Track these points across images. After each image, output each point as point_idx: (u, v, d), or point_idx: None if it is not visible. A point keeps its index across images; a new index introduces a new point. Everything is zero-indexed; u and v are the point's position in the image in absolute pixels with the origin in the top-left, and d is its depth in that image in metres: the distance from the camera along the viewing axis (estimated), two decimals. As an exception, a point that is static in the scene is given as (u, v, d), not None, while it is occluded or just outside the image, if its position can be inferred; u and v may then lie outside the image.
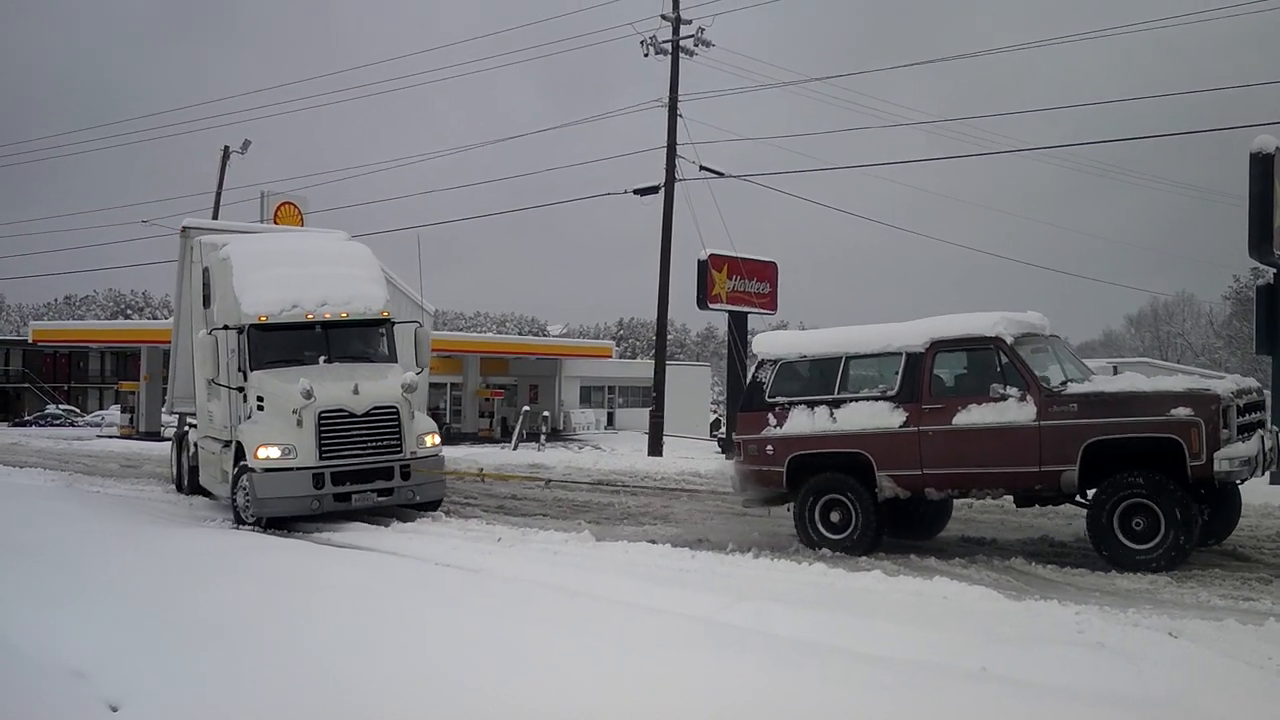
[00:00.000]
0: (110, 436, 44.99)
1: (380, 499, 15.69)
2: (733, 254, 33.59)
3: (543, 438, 37.42)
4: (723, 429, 36.80)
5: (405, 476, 15.84)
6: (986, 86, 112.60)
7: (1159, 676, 6.50)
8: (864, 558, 11.96)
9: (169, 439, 39.54)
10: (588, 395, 66.40)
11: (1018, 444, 11.62)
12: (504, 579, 10.43)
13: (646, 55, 32.89)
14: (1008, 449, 11.69)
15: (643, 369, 54.10)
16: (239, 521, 15.53)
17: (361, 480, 15.52)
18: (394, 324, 17.25)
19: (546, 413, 42.80)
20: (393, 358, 17.04)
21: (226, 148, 43.11)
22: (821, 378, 13.13)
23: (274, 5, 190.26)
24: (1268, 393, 29.84)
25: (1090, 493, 11.58)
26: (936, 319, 12.77)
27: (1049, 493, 11.87)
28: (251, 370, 16.00)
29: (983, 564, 11.49)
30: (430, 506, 16.43)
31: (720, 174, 32.39)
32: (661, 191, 32.09)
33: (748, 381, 14.01)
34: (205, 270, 17.93)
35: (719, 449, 34.82)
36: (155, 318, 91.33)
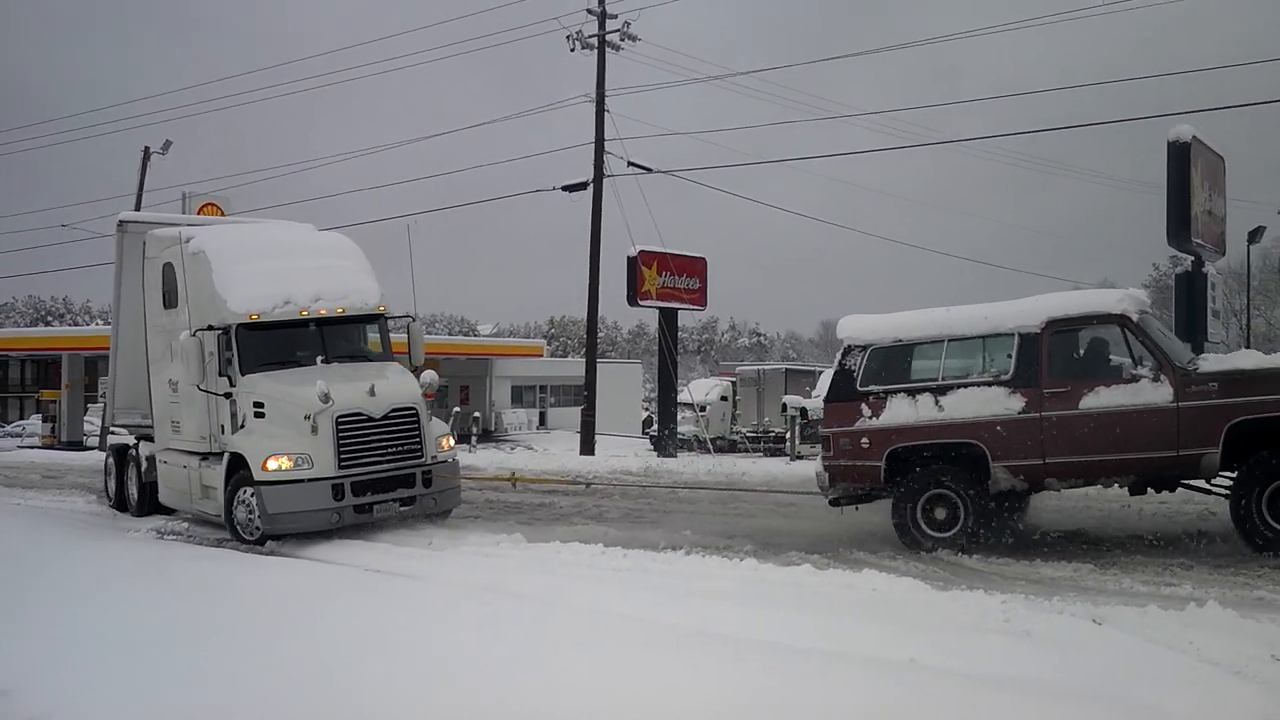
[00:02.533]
0: (31, 447, 44.07)
1: (403, 509, 14.49)
2: (662, 250, 33.58)
3: (474, 439, 37.25)
4: (655, 426, 36.84)
5: (427, 484, 14.68)
6: (930, 81, 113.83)
7: (1085, 663, 6.62)
8: (793, 551, 11.93)
9: (93, 448, 39.18)
10: (519, 395, 66.08)
11: (1154, 427, 10.93)
12: (435, 583, 10.39)
13: (573, 50, 32.78)
14: (1143, 433, 10.97)
15: (574, 367, 54.00)
16: (239, 540, 14.20)
17: (382, 490, 14.31)
18: (389, 320, 16.08)
19: (477, 414, 42.58)
20: (388, 356, 15.95)
21: (147, 148, 42.33)
22: (918, 363, 12.40)
23: (198, 2, 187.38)
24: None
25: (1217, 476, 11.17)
26: (1047, 297, 12.07)
27: (1181, 477, 11.33)
28: (243, 374, 14.64)
29: (910, 556, 11.59)
30: (444, 515, 15.26)
31: (648, 169, 32.38)
32: (590, 188, 32.05)
33: (834, 370, 13.02)
34: (167, 266, 16.20)
35: (651, 446, 34.86)
36: (77, 324, 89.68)
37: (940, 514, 11.85)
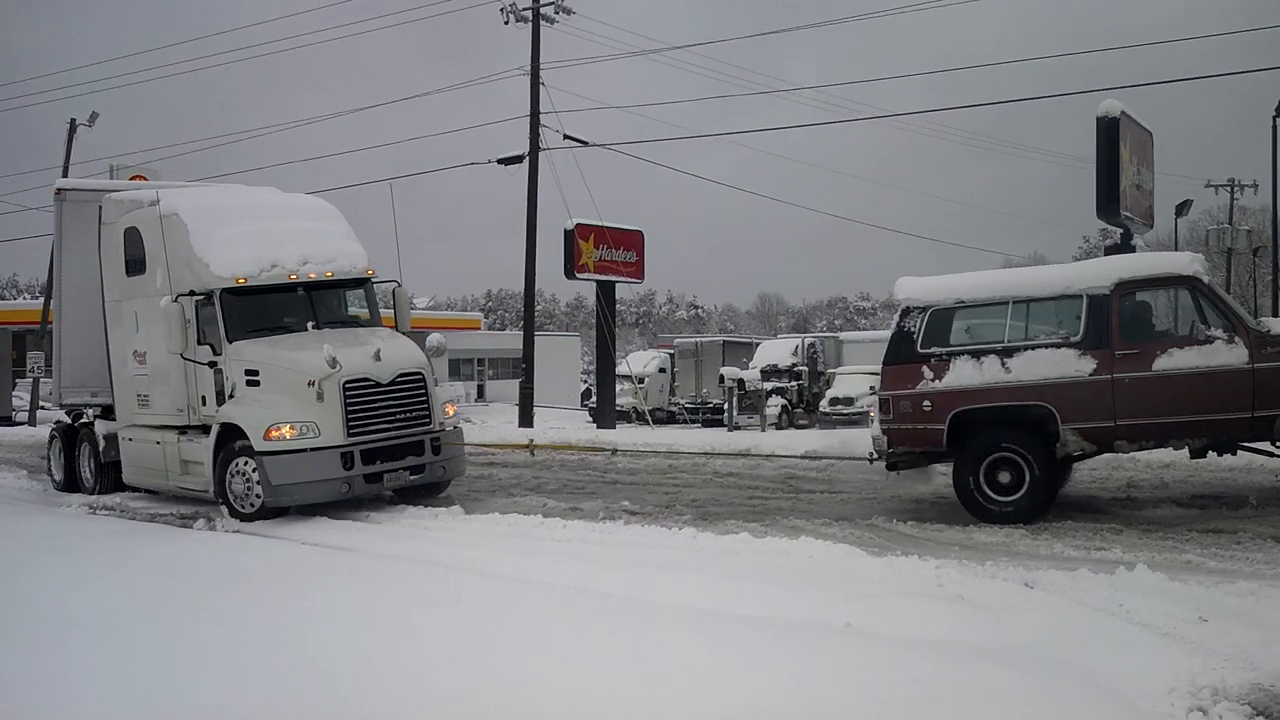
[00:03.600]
0: (-45, 423, 43.32)
1: (412, 478, 14.03)
2: (599, 223, 33.53)
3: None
4: (594, 399, 36.85)
5: (436, 451, 14.21)
6: (875, 58, 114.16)
7: (1018, 626, 6.73)
8: (731, 520, 11.97)
9: (23, 423, 38.50)
10: (456, 368, 65.85)
11: (1228, 389, 10.84)
12: (375, 556, 10.37)
13: (507, 23, 32.57)
14: (1217, 394, 10.87)
15: (512, 340, 53.84)
16: (235, 515, 13.53)
17: (392, 458, 13.79)
18: (373, 284, 15.49)
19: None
20: (376, 321, 15.36)
21: (73, 120, 41.55)
22: (981, 325, 12.18)
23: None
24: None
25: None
26: (1113, 259, 11.67)
27: (1253, 438, 11.23)
28: (229, 341, 13.99)
29: (846, 523, 11.69)
30: (445, 486, 14.95)
31: (585, 143, 32.30)
32: (526, 161, 31.92)
33: (892, 332, 12.73)
34: (130, 232, 15.33)
35: (590, 418, 34.84)
36: (3, 297, 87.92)
37: (1004, 478, 11.66)
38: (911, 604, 7.34)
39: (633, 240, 35.21)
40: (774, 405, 37.98)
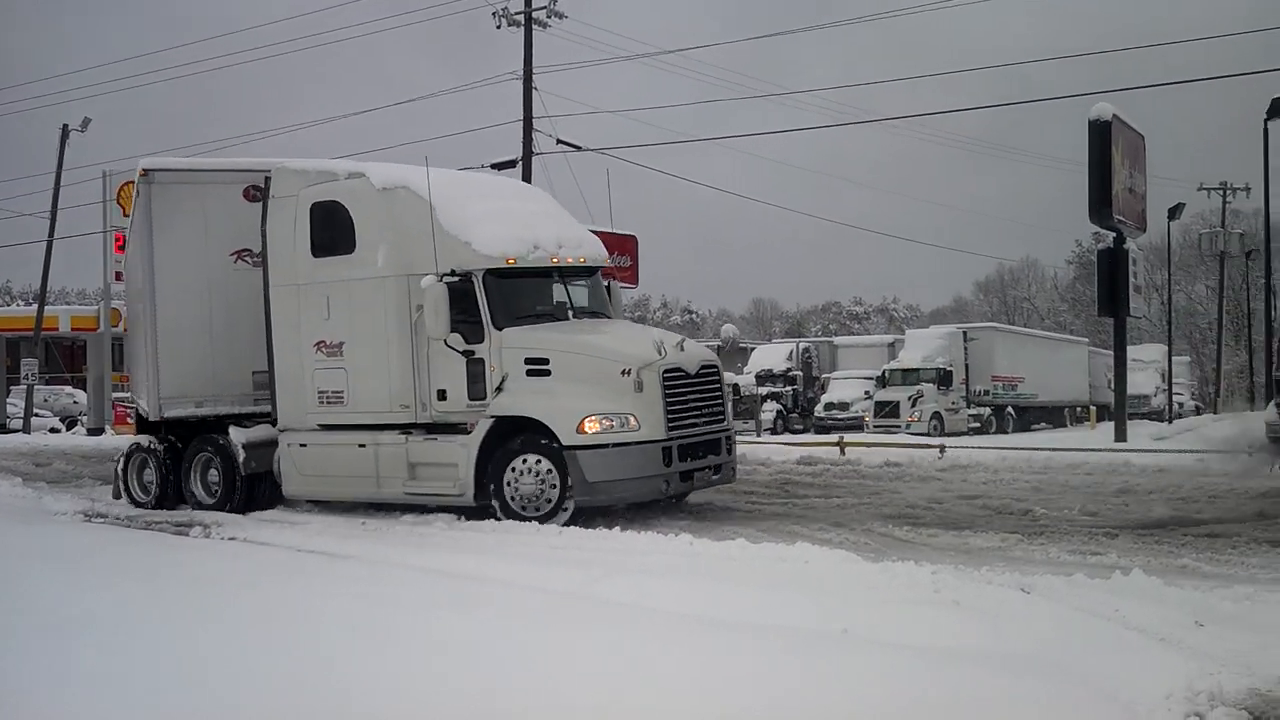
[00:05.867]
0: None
1: (714, 478, 13.22)
2: (593, 228, 33.50)
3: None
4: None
5: (729, 450, 13.50)
6: (883, 62, 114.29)
7: (1014, 632, 6.73)
8: (728, 525, 11.98)
9: (16, 430, 38.21)
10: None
11: None
12: (371, 563, 10.34)
13: (499, 27, 32.59)
14: None
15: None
16: (511, 517, 12.34)
17: (698, 455, 12.85)
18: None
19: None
20: (613, 312, 14.40)
21: (65, 126, 41.53)
22: None
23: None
24: (1109, 353, 30.73)
25: None
26: None
27: None
28: (497, 327, 12.74)
29: (842, 528, 11.72)
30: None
31: (577, 148, 32.28)
32: (519, 166, 31.94)
33: None
34: (328, 207, 13.65)
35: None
36: (6, 304, 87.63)
37: None
38: (908, 609, 7.34)
39: (626, 245, 35.12)
40: (769, 410, 38.01)
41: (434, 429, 13.22)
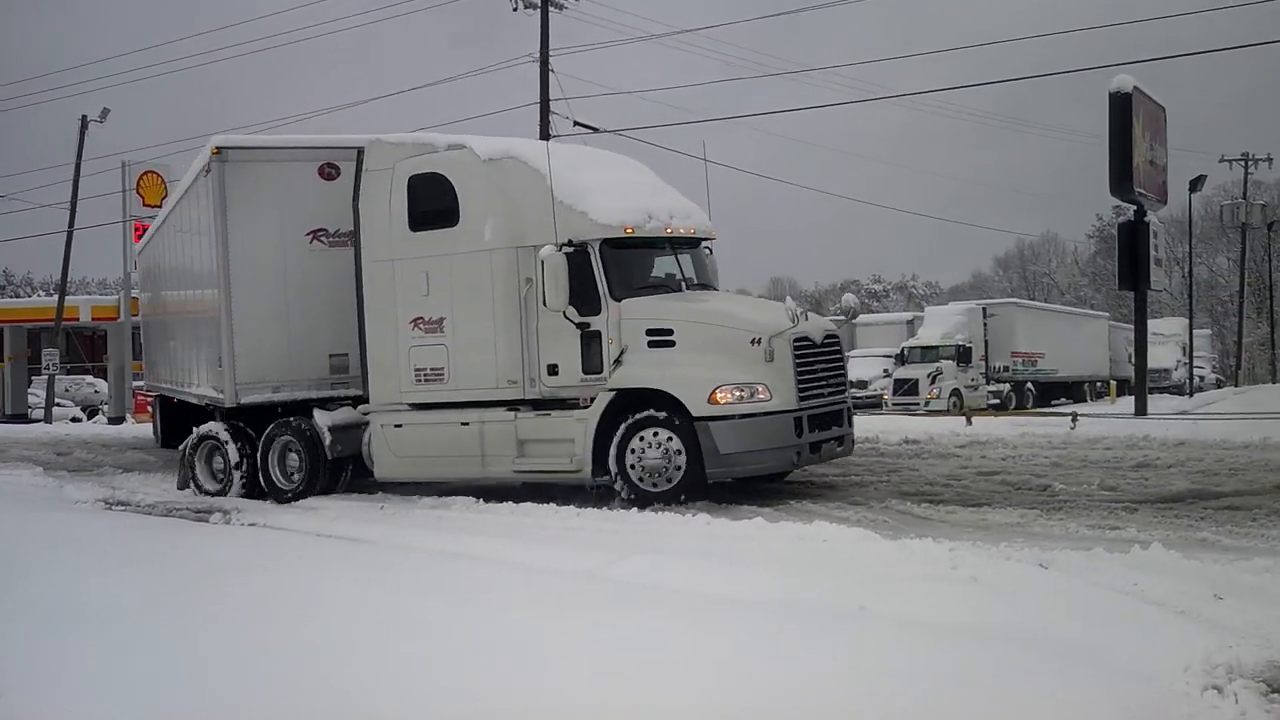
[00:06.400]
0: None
1: (839, 450, 13.10)
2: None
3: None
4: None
5: (850, 423, 13.41)
6: (894, 36, 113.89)
7: (1031, 607, 6.71)
8: (745, 505, 11.96)
9: (39, 420, 38.44)
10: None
11: None
12: (389, 547, 10.37)
13: (515, 9, 32.57)
14: None
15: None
16: (635, 494, 12.13)
17: (823, 426, 12.62)
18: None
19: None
20: (714, 284, 14.26)
21: (84, 117, 41.66)
22: None
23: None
24: (1129, 327, 30.61)
25: None
26: None
27: None
28: (615, 299, 12.55)
29: (860, 506, 11.68)
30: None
31: (594, 129, 32.18)
32: (536, 149, 31.90)
33: None
34: (429, 178, 13.36)
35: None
36: (19, 295, 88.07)
37: None
38: (925, 586, 7.32)
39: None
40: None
41: (542, 405, 13.02)
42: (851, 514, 11.22)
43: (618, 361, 12.46)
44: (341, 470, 14.79)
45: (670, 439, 12.03)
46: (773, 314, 12.71)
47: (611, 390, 12.37)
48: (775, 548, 9.13)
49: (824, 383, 12.71)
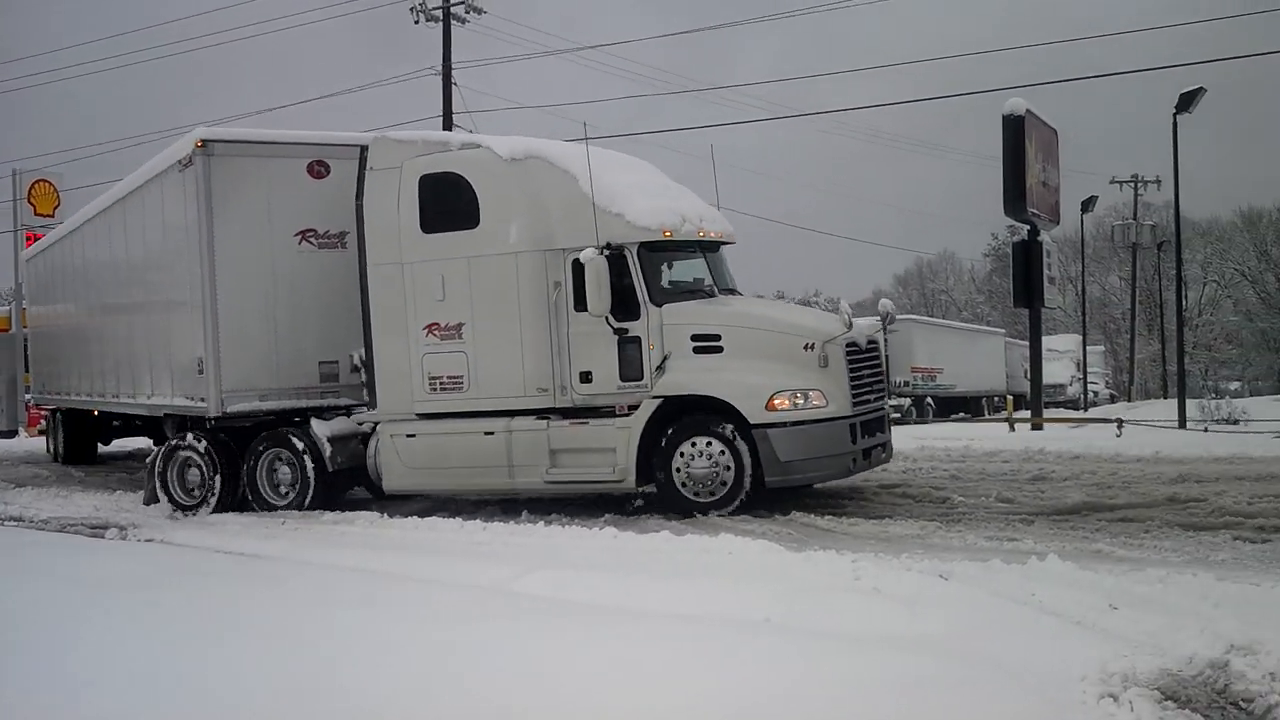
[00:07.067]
0: None
1: (883, 455, 13.01)
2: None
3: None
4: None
5: (888, 429, 13.30)
6: (823, 55, 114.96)
7: (932, 617, 6.80)
8: (652, 519, 11.98)
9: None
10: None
11: None
12: (291, 563, 10.22)
13: (417, 22, 32.47)
14: None
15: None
16: (684, 505, 11.99)
17: (870, 433, 12.47)
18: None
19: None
20: (737, 289, 13.87)
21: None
22: None
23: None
24: (1025, 343, 31.22)
25: None
26: None
27: None
28: (655, 303, 12.24)
29: (765, 519, 11.73)
30: None
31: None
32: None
33: None
34: (444, 178, 12.84)
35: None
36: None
37: None
38: (828, 597, 7.40)
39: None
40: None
41: (573, 413, 12.62)
42: (756, 527, 11.28)
43: (660, 368, 12.16)
44: (339, 483, 14.18)
45: (722, 451, 11.83)
46: (821, 319, 12.64)
47: (658, 397, 12.05)
48: (682, 560, 9.16)
49: (869, 389, 12.63)
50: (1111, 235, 64.70)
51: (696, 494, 11.98)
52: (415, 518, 12.36)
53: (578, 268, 12.17)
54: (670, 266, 12.90)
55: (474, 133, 13.18)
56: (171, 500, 14.88)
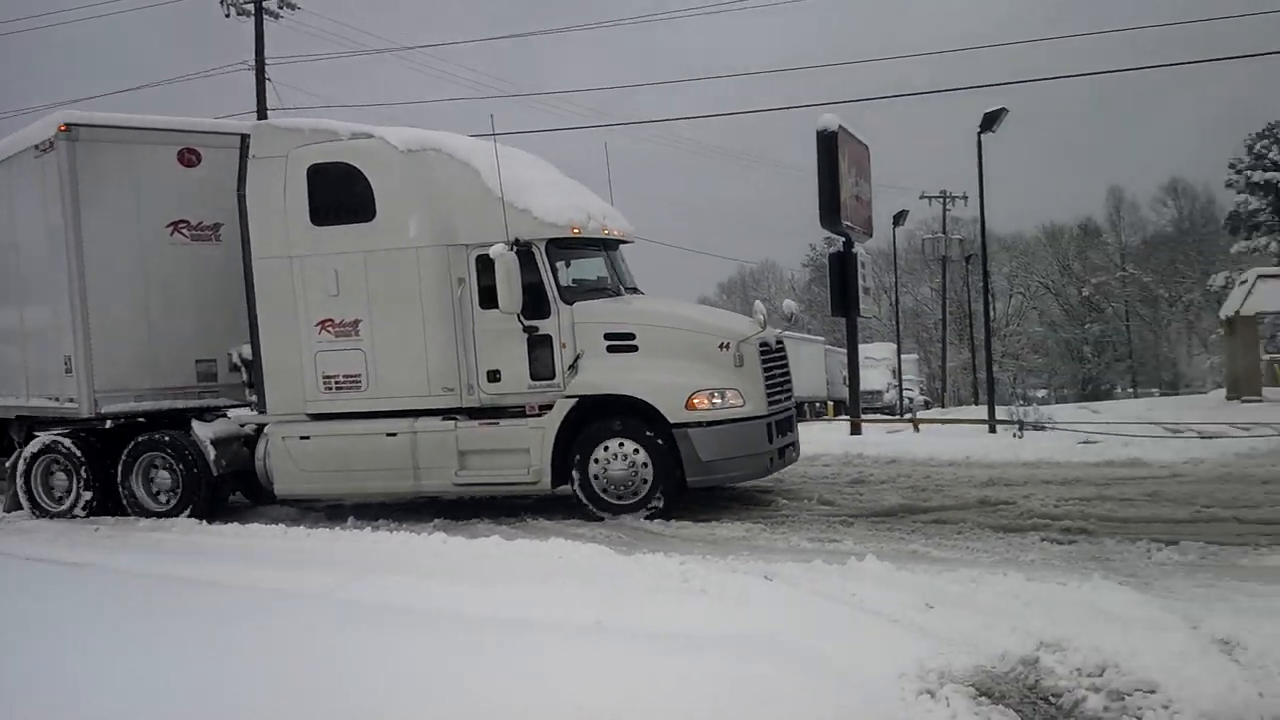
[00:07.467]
0: None
1: (793, 455, 12.98)
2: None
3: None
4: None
5: (795, 429, 13.26)
6: (647, 64, 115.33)
7: (757, 617, 6.95)
8: (482, 523, 11.93)
9: None
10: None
11: None
12: (108, 571, 9.89)
13: (228, 16, 31.64)
14: None
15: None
16: (596, 506, 11.87)
17: (782, 432, 12.41)
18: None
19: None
20: (638, 288, 13.68)
21: None
22: None
23: None
24: (843, 351, 31.94)
25: None
26: None
27: None
28: (565, 301, 12.03)
29: (595, 523, 11.79)
30: None
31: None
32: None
33: None
34: (334, 169, 12.36)
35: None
36: None
37: None
38: (658, 599, 7.50)
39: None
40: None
41: (482, 413, 12.30)
42: (586, 530, 11.34)
43: (573, 368, 11.97)
44: (224, 487, 13.64)
45: (636, 451, 11.75)
46: (733, 319, 12.62)
47: (573, 397, 11.87)
48: (513, 564, 9.16)
49: (780, 388, 12.60)
50: (922, 248, 67.03)
51: (620, 496, 11.89)
52: (237, 524, 12.09)
53: (484, 264, 11.91)
54: (569, 265, 12.70)
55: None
56: (36, 507, 14.19)
